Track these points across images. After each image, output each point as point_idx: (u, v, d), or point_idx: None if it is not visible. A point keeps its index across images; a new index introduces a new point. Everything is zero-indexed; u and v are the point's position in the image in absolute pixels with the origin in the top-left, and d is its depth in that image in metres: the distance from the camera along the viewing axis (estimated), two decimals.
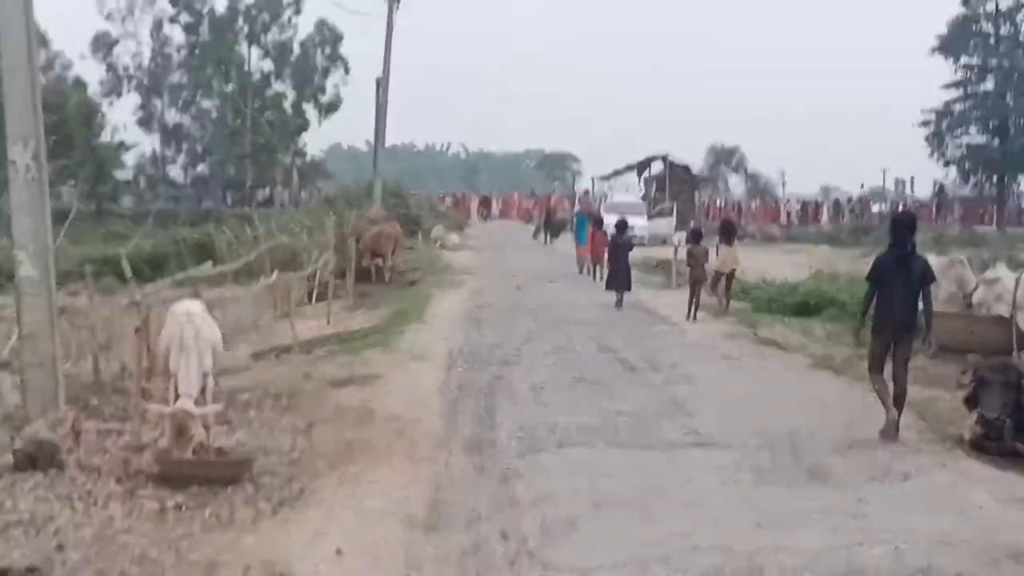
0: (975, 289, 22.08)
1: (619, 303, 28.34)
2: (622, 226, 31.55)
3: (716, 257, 27.94)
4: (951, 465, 12.25)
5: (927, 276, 13.86)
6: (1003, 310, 20.36)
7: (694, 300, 26.68)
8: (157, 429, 12.37)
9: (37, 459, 11.28)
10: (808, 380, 17.80)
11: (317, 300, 32.57)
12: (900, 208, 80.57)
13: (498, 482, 11.46)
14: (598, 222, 39.65)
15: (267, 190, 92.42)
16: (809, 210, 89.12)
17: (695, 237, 29.29)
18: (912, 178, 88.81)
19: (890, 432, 13.37)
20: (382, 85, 53.07)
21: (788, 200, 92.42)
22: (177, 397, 11.64)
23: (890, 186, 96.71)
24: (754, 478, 11.66)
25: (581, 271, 39.69)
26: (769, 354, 20.40)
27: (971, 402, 13.48)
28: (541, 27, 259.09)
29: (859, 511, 10.35)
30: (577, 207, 60.17)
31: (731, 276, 27.82)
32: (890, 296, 13.72)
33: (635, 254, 32.51)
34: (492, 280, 35.89)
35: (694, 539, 9.44)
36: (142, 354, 13.83)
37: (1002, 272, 22.28)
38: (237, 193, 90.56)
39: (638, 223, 54.14)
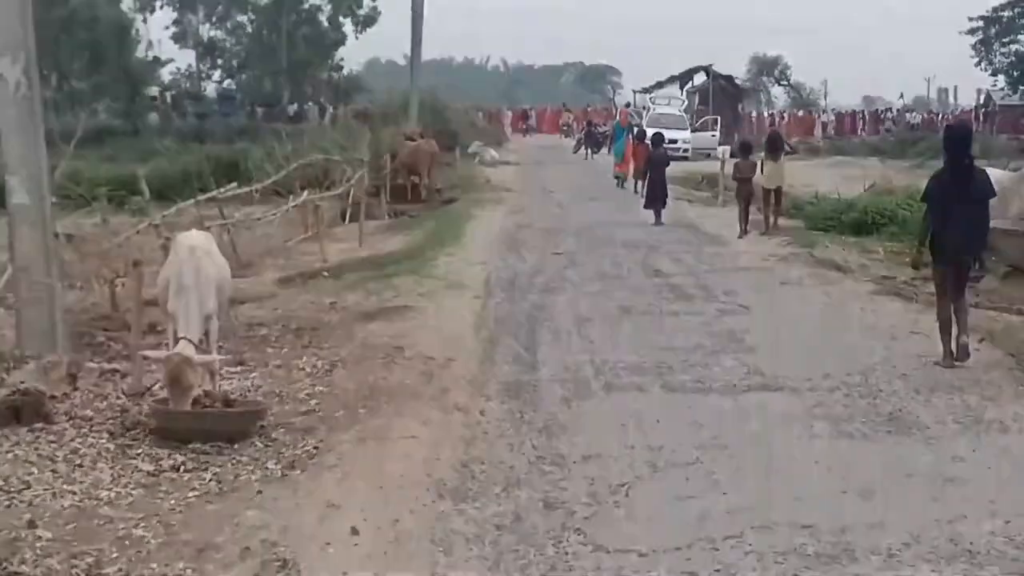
0: None
1: (658, 220, 27.12)
2: (658, 140, 30.65)
3: (762, 173, 26.20)
4: None
5: (988, 191, 12.60)
6: None
7: (745, 216, 25.46)
8: (159, 372, 11.00)
9: (21, 411, 9.89)
10: (874, 307, 16.25)
11: (350, 220, 31.32)
12: (949, 118, 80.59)
13: (540, 436, 9.93)
14: (640, 135, 38.67)
15: (295, 105, 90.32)
16: (845, 121, 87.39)
17: (743, 151, 28.04)
18: (955, 87, 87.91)
19: (947, 363, 12.28)
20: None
21: (826, 110, 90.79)
22: (177, 341, 10.34)
23: (934, 95, 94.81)
24: (830, 429, 10.13)
25: (620, 185, 38.83)
26: (830, 278, 18.73)
27: None
28: None
29: (957, 473, 8.83)
30: (615, 120, 58.45)
31: (779, 192, 26.12)
32: (948, 217, 12.36)
33: (680, 169, 31.29)
34: (531, 198, 34.42)
35: (769, 513, 7.93)
36: (139, 290, 12.35)
37: None
38: (268, 109, 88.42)
39: (681, 136, 52.83)
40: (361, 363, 12.52)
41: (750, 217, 25.61)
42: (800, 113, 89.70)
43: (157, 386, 10.90)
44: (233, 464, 9.09)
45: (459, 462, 9.21)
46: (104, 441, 9.64)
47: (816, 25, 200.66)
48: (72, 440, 9.60)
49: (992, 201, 15.04)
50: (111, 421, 10.23)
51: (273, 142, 36.29)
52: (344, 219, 31.61)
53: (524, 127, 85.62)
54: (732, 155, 30.08)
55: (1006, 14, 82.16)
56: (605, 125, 64.25)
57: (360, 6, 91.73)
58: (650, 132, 40.18)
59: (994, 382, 11.74)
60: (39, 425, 9.85)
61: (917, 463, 9.14)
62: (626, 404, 11.09)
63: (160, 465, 9.02)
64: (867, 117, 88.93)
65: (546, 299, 16.71)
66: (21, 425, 9.79)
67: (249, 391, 11.56)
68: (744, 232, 25.06)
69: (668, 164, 29.28)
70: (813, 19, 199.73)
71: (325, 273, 20.62)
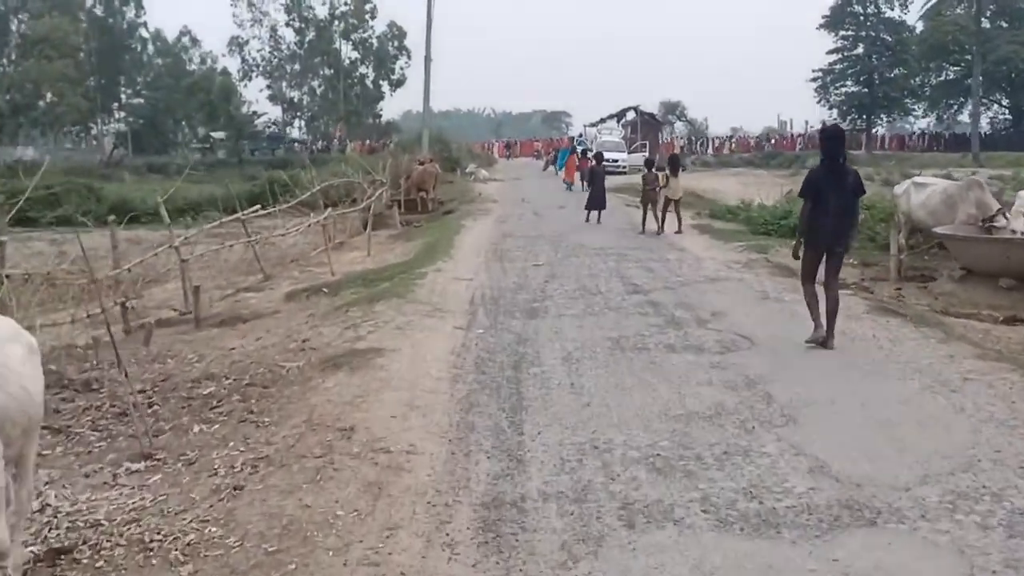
0: (999, 213, 14.17)
1: (598, 219, 22.88)
2: (599, 158, 27.19)
3: (667, 186, 20.98)
4: None
5: (858, 188, 9.43)
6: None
7: (645, 215, 21.19)
8: None
9: None
10: (887, 333, 9.72)
11: (373, 229, 25.12)
12: (790, 141, 77.04)
13: None
14: (584, 152, 37.63)
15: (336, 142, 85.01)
16: (724, 144, 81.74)
17: (648, 165, 22.70)
18: (791, 120, 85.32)
19: (818, 341, 9.05)
20: (425, 56, 44.50)
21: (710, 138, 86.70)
22: None
23: (790, 127, 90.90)
24: None
25: (569, 188, 35.48)
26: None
27: None
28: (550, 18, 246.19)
29: None
30: (564, 146, 52.39)
31: (678, 202, 21.01)
32: (825, 206, 9.19)
33: (624, 181, 25.40)
34: (513, 207, 27.49)
35: None
36: None
37: None
38: (324, 145, 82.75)
39: (621, 157, 47.35)
40: (291, 465, 5.89)
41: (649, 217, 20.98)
42: (695, 139, 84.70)
43: None
44: None
45: None
46: None
47: (702, 76, 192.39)
48: None
49: (940, 207, 13.96)
50: None
51: (303, 168, 30.34)
52: (365, 228, 25.35)
53: (507, 153, 79.24)
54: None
55: (838, 67, 76.57)
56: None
57: (393, 72, 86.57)
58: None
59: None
60: None
61: None
62: (662, 547, 4.60)
63: None
64: (737, 142, 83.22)
65: (529, 328, 10.04)
66: None
67: (117, 524, 5.11)
68: (644, 231, 20.59)
69: (605, 177, 25.03)
70: (700, 73, 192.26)
71: (325, 289, 14.17)
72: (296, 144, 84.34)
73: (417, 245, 19.20)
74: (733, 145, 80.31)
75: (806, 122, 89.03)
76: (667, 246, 17.39)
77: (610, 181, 40.54)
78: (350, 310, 11.43)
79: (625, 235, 19.73)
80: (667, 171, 21.55)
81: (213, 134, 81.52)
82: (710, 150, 76.39)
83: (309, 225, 20.94)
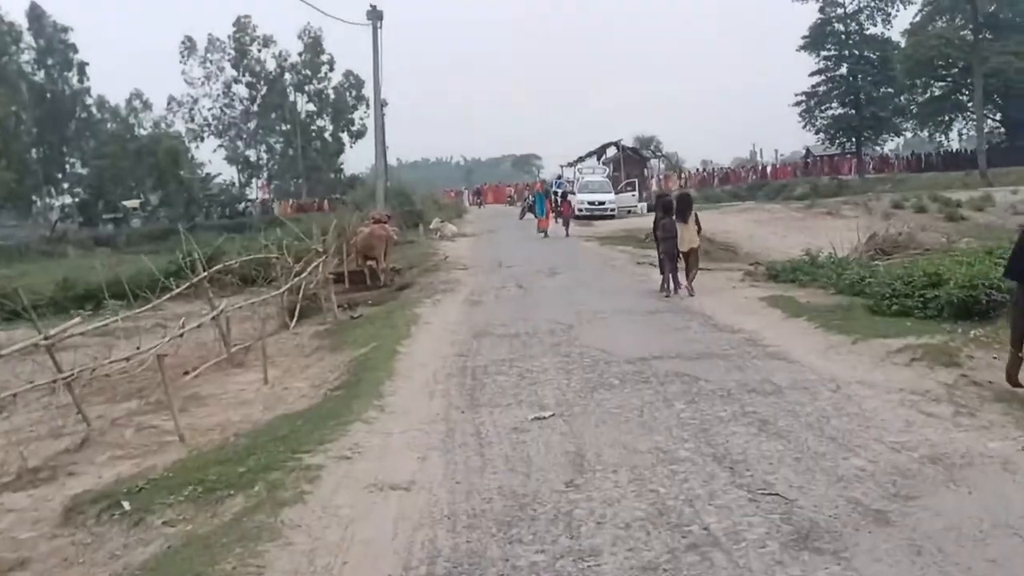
0: None
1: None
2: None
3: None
4: None
5: None
6: None
7: (666, 274, 15.64)
8: None
9: None
10: None
11: (299, 318, 17.95)
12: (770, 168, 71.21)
13: None
14: (564, 195, 36.18)
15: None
16: (704, 177, 76.85)
17: (664, 209, 16.15)
18: (761, 149, 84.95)
19: None
20: (375, 101, 37.50)
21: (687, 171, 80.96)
22: None
23: (760, 155, 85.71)
24: None
25: (545, 235, 30.94)
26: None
27: None
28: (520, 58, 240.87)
29: None
30: (537, 190, 45.12)
31: (693, 255, 15.69)
32: None
33: (617, 226, 26.09)
34: (489, 275, 19.99)
35: None
36: None
37: None
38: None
39: (608, 198, 40.18)
40: None
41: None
42: (675, 174, 78.72)
43: None
44: None
45: None
46: None
47: (669, 108, 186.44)
48: None
49: None
50: None
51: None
52: (291, 318, 18.16)
53: (478, 201, 71.98)
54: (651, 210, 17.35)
55: (822, 89, 70.43)
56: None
57: (353, 123, 79.81)
58: (580, 195, 39.93)
59: None
60: None
61: None
62: None
63: None
64: (715, 173, 78.49)
65: None
66: None
67: None
68: (669, 291, 15.30)
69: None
70: (668, 106, 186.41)
71: (125, 505, 6.83)
72: (247, 205, 76.93)
73: (344, 360, 11.78)
74: (715, 177, 74.73)
75: (776, 151, 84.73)
76: (760, 352, 9.91)
77: (602, 227, 33.49)
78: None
79: (662, 319, 12.42)
80: (674, 216, 15.79)
81: (153, 197, 74.14)
82: (689, 184, 70.32)
83: (199, 325, 13.63)
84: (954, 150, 74.22)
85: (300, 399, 10.10)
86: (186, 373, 13.90)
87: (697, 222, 15.86)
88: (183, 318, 19.27)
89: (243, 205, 76.60)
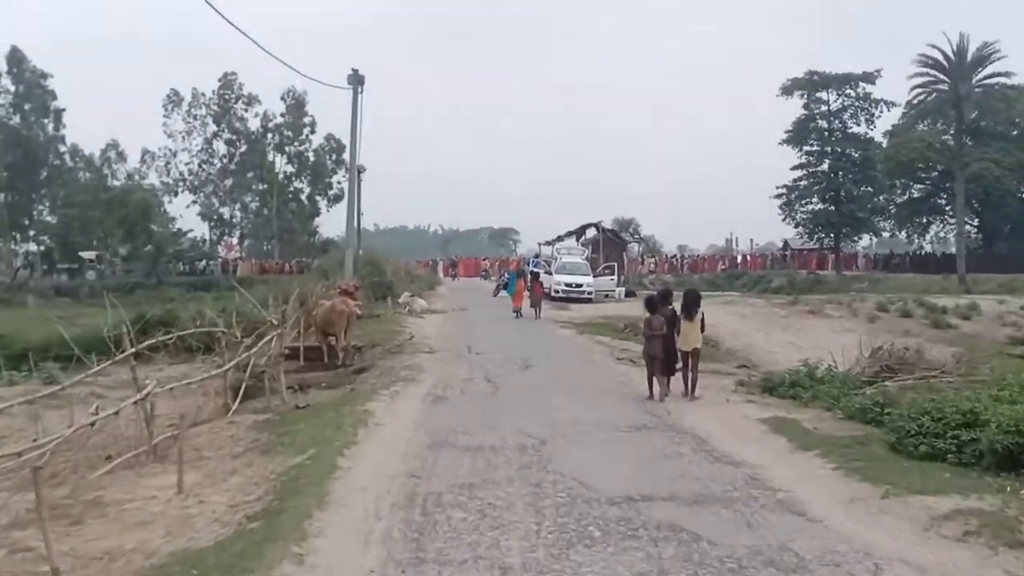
0: None
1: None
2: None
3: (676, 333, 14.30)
4: None
5: None
6: None
7: (653, 378, 14.07)
8: None
9: None
10: None
11: (245, 398, 16.13)
12: (749, 259, 70.54)
13: None
14: (536, 276, 33.45)
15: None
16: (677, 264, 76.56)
17: (663, 300, 14.89)
18: (737, 238, 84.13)
19: None
20: (351, 165, 36.04)
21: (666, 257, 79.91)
22: None
23: (735, 244, 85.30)
24: None
25: (518, 316, 29.80)
26: None
27: None
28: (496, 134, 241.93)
29: None
30: (510, 268, 43.74)
31: (695, 355, 14.32)
32: None
33: (595, 311, 24.81)
34: (456, 364, 18.07)
35: None
36: None
37: None
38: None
39: (586, 281, 38.60)
40: None
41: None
42: (650, 258, 77.99)
43: None
44: None
45: None
46: None
47: (647, 193, 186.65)
48: None
49: None
50: None
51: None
52: (235, 399, 16.29)
53: (452, 272, 70.40)
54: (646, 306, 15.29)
55: (802, 183, 69.88)
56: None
57: (331, 187, 78.55)
58: (557, 276, 38.97)
59: None
60: None
61: None
62: None
63: None
64: (683, 260, 78.68)
65: None
66: None
67: None
68: (654, 396, 13.82)
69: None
70: (646, 190, 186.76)
71: None
72: (208, 263, 74.92)
73: (275, 470, 9.88)
74: (684, 263, 74.04)
75: (751, 240, 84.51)
76: (770, 500, 8.12)
77: (578, 311, 31.90)
78: None
79: (650, 440, 10.68)
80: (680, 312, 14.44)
81: (121, 250, 72.17)
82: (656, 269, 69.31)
83: (116, 412, 11.78)
84: (923, 252, 74.29)
85: (211, 524, 8.21)
86: (108, 458, 12.03)
87: (702, 322, 14.42)
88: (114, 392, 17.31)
89: (204, 263, 74.53)
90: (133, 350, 13.69)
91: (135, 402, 12.30)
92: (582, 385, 15.21)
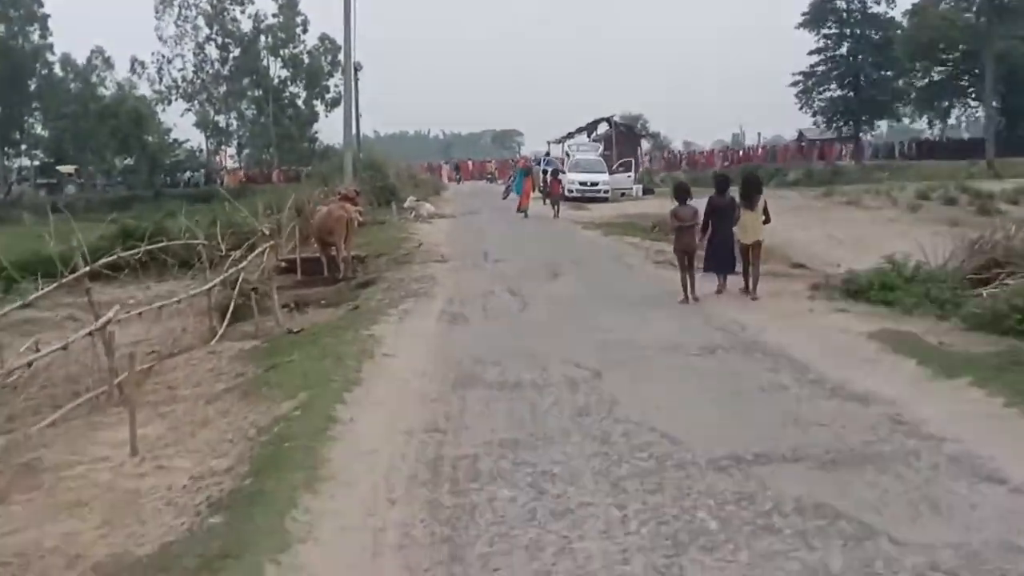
0: None
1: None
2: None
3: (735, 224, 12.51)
4: None
5: None
6: None
7: (688, 277, 12.25)
8: None
9: None
10: None
11: (233, 319, 13.79)
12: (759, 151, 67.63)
13: None
14: (555, 172, 31.71)
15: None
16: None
17: (681, 194, 12.98)
18: (745, 132, 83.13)
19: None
20: (346, 63, 32.95)
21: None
22: None
23: (743, 139, 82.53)
24: None
25: (525, 215, 27.61)
26: None
27: None
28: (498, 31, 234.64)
29: None
30: (519, 166, 40.75)
31: (757, 249, 12.49)
32: None
33: (614, 210, 22.86)
34: (473, 274, 15.47)
35: None
36: None
37: None
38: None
39: (602, 179, 35.84)
40: None
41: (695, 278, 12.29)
42: (664, 154, 74.76)
43: None
44: None
45: None
46: None
47: (653, 88, 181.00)
48: None
49: None
50: None
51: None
52: (223, 321, 13.95)
53: (456, 176, 67.22)
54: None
55: (820, 69, 66.19)
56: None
57: (328, 91, 74.83)
58: (571, 175, 35.52)
59: None
60: None
61: None
62: None
63: None
64: (681, 157, 74.76)
65: None
66: None
67: None
68: (688, 298, 12.07)
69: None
70: (652, 85, 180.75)
71: None
72: (192, 175, 71.99)
73: (256, 422, 7.51)
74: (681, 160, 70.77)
75: (759, 134, 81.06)
76: (943, 457, 5.69)
77: (597, 211, 29.31)
78: None
79: (732, 365, 8.28)
80: (738, 199, 12.81)
81: (116, 161, 69.28)
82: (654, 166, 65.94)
83: (65, 347, 9.41)
84: (938, 138, 71.09)
85: (163, 509, 5.88)
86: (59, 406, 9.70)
87: (766, 210, 12.63)
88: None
89: (188, 175, 71.50)
90: (87, 269, 11.26)
91: (90, 333, 9.89)
92: (625, 295, 12.78)
